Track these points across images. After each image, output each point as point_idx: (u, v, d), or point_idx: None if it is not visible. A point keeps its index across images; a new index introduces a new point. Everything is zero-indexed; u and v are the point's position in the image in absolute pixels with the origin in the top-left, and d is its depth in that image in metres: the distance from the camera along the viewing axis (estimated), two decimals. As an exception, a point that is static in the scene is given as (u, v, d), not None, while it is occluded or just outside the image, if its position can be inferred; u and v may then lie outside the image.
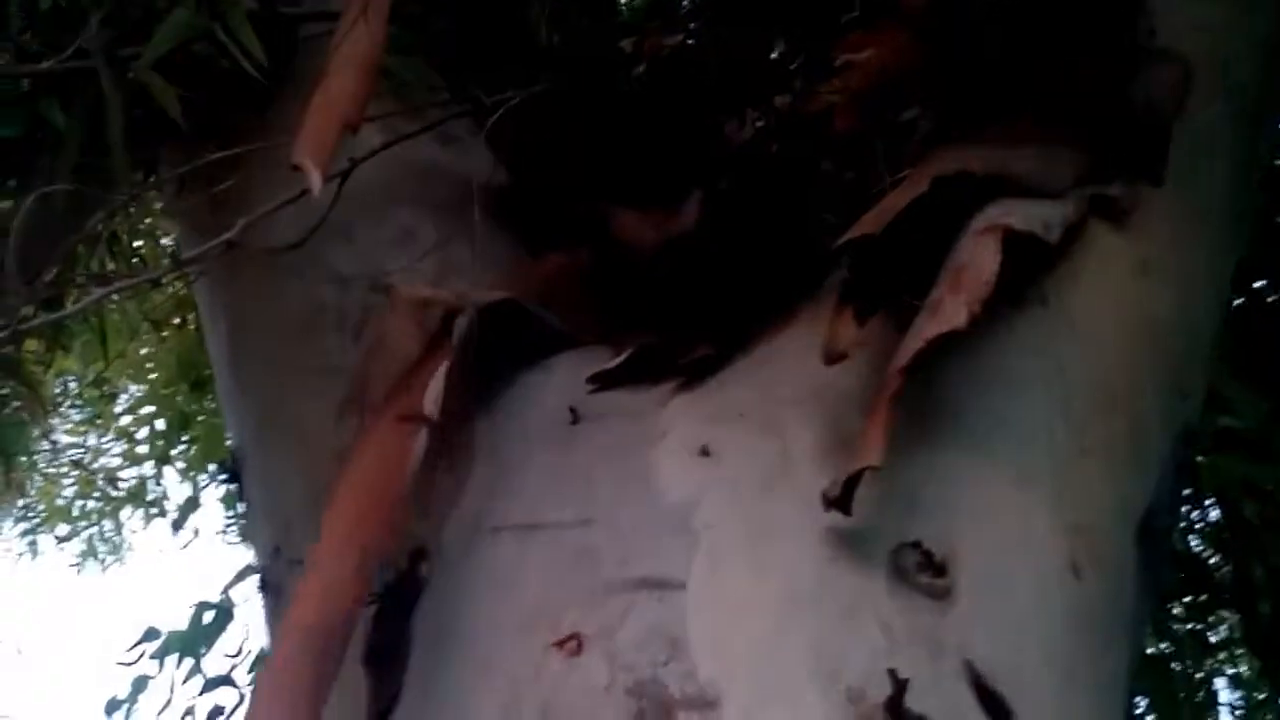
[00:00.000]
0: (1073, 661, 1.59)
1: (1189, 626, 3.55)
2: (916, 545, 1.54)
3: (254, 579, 2.99)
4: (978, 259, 1.67)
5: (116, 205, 2.34)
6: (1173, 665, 3.37)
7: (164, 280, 2.80)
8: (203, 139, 2.22)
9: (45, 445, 4.93)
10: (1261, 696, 3.77)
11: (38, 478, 5.27)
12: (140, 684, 4.19)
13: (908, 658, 1.43)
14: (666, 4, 2.49)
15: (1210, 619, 3.73)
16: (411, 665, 1.66)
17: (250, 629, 3.82)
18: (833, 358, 1.66)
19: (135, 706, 4.22)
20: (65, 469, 5.20)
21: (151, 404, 4.52)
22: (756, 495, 1.61)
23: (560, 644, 1.48)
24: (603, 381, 1.87)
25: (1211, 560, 3.62)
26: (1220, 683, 3.81)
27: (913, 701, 1.36)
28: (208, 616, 4.02)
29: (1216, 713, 3.67)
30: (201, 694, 4.03)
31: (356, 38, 1.73)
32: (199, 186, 2.36)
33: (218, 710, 4.05)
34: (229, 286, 2.32)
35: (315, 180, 1.64)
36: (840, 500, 1.50)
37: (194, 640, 4.04)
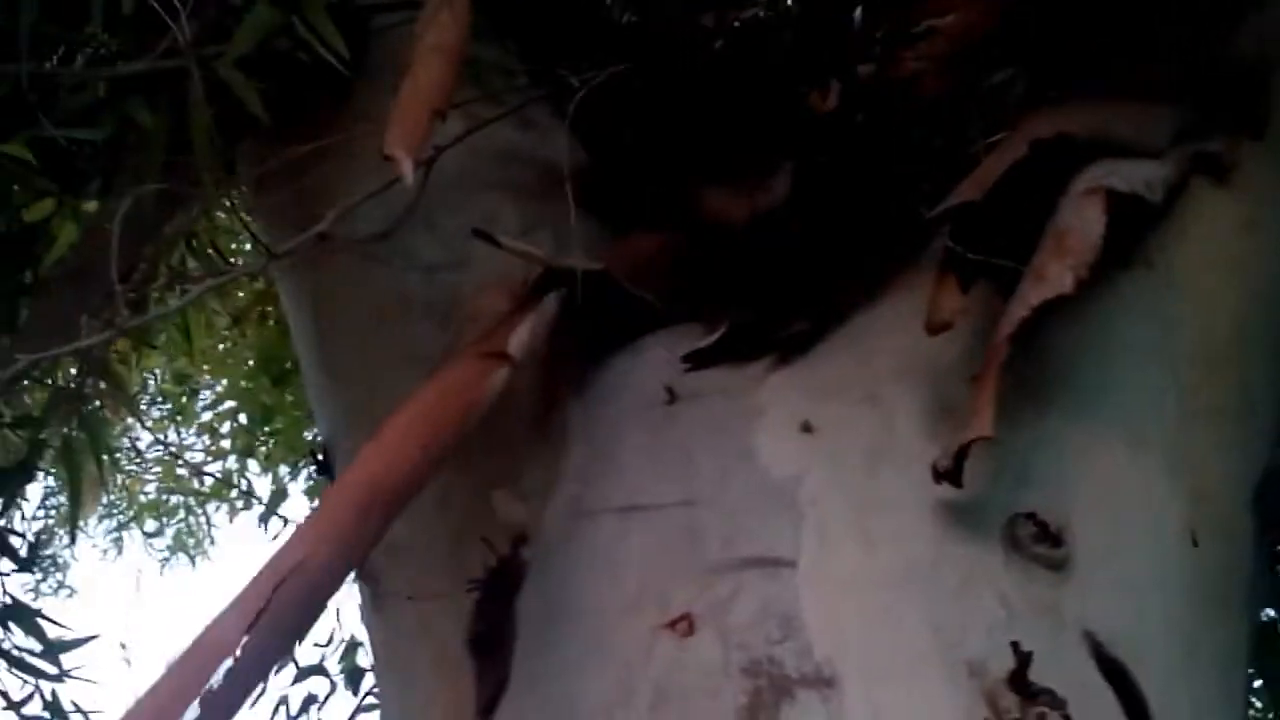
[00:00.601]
0: (1194, 631, 1.57)
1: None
2: (1031, 516, 1.53)
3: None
4: (1082, 222, 1.65)
5: (203, 202, 2.36)
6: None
7: (254, 274, 2.83)
8: (281, 131, 2.23)
9: (127, 442, 5.00)
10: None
11: (121, 475, 5.35)
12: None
13: (1027, 630, 1.42)
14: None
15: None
16: (517, 651, 1.66)
17: (340, 617, 3.85)
18: (937, 327, 1.63)
19: (229, 698, 4.30)
20: (149, 465, 5.28)
21: (233, 399, 4.58)
22: (862, 469, 1.60)
23: (671, 625, 1.47)
24: (698, 360, 1.86)
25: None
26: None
27: (1035, 674, 1.34)
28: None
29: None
30: (294, 683, 4.08)
31: (441, 26, 1.73)
32: (280, 179, 2.38)
33: (311, 699, 4.11)
34: (313, 278, 2.33)
35: (407, 170, 1.64)
36: (951, 472, 1.48)
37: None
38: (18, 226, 2.42)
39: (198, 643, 1.38)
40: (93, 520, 5.73)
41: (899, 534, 1.51)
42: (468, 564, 1.79)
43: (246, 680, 1.37)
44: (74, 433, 3.02)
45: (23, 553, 3.03)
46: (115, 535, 5.79)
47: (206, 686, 1.32)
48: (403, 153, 1.65)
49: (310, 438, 4.36)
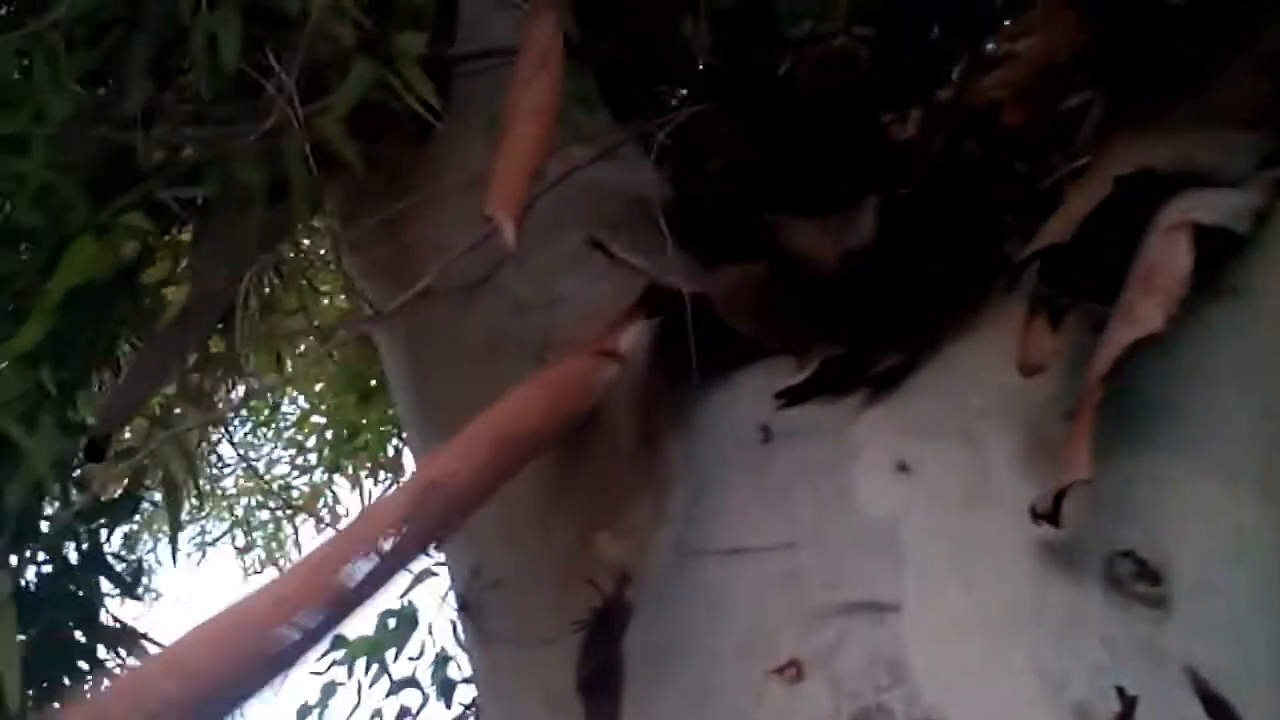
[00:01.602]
0: None
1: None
2: (1130, 554, 1.56)
3: (433, 582, 3.13)
4: (1169, 258, 1.68)
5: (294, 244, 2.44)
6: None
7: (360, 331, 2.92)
8: (368, 175, 2.31)
9: (216, 457, 5.14)
10: None
11: (209, 486, 5.50)
12: (329, 690, 4.40)
13: (1131, 670, 1.45)
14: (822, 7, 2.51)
15: None
16: (626, 694, 1.71)
17: (433, 632, 3.96)
18: (1029, 370, 1.67)
19: (325, 711, 4.42)
20: (238, 479, 5.41)
21: (319, 415, 4.70)
22: (959, 509, 1.64)
23: (779, 670, 1.52)
24: (791, 397, 1.90)
25: None
26: None
27: (1141, 718, 1.38)
28: (391, 622, 4.21)
29: None
30: (388, 696, 4.19)
31: (538, 88, 1.80)
32: (365, 216, 2.47)
33: (404, 711, 4.22)
34: (407, 319, 2.41)
35: (509, 233, 1.71)
36: (1050, 514, 1.52)
37: (379, 645, 4.22)
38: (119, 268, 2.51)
39: (345, 534, 1.51)
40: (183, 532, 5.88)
41: (1000, 576, 1.55)
42: (573, 605, 1.85)
43: (382, 575, 1.47)
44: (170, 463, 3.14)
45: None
46: (201, 543, 5.94)
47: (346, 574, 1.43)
48: (504, 214, 1.72)
49: (394, 454, 4.48)
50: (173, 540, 3.95)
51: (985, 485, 1.66)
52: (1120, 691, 1.39)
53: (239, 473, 5.28)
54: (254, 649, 1.39)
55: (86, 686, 2.55)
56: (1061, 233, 1.70)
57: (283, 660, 1.43)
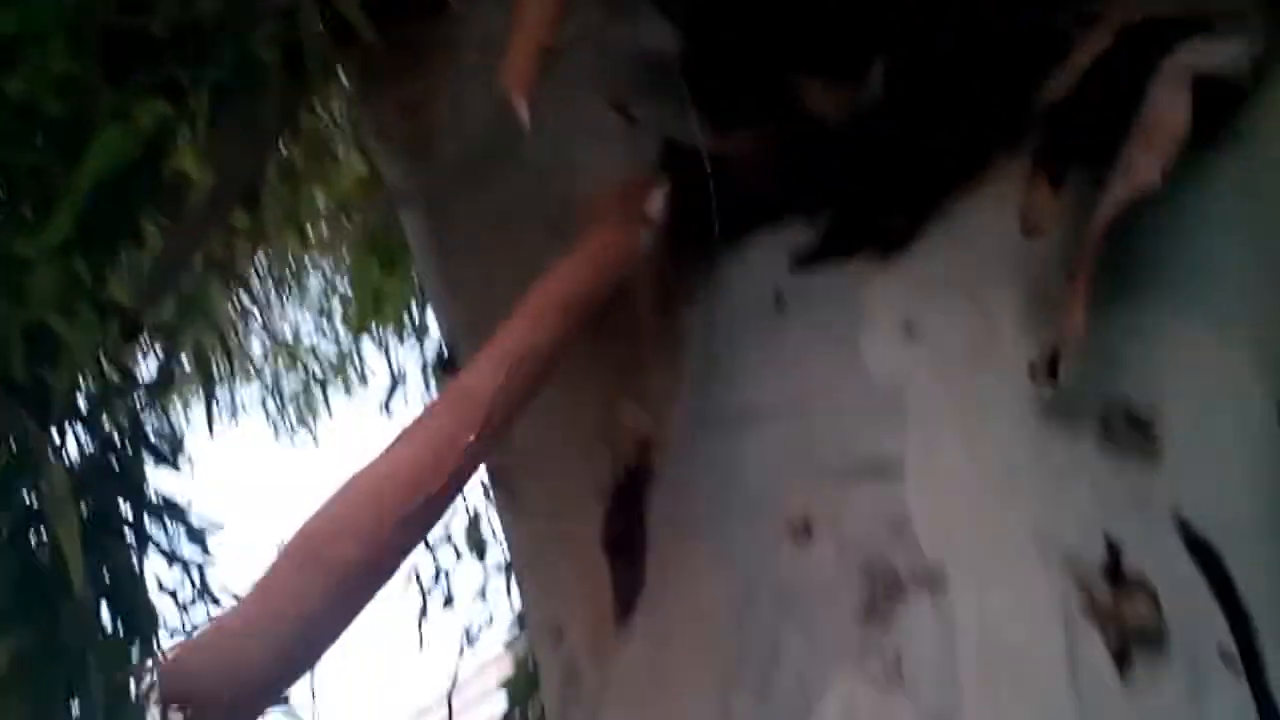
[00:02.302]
0: None
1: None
2: (1122, 405, 1.66)
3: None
4: (1168, 111, 1.74)
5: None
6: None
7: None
8: (384, 51, 2.37)
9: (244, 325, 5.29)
10: None
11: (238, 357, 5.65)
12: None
13: (1120, 519, 1.58)
14: None
15: None
16: (650, 555, 1.85)
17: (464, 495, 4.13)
18: (1032, 229, 1.76)
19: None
20: (267, 348, 5.57)
21: (343, 281, 4.82)
22: (964, 369, 1.74)
23: (790, 530, 1.65)
24: (803, 260, 1.99)
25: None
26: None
27: (1128, 562, 1.51)
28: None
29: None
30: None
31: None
32: (381, 90, 2.54)
33: (439, 570, 4.43)
34: (426, 189, 2.48)
35: (523, 112, 1.77)
36: (1047, 371, 1.62)
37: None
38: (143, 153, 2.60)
39: (443, 405, 1.62)
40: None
41: (1000, 434, 1.66)
42: (600, 473, 1.98)
43: (485, 448, 1.56)
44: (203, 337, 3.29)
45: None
46: (234, 410, 6.12)
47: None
48: (518, 90, 1.78)
49: (420, 319, 4.59)
50: (208, 411, 4.13)
51: (989, 344, 1.76)
52: (1107, 539, 1.51)
53: (267, 341, 5.43)
54: (408, 511, 1.43)
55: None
56: (1062, 88, 1.76)
57: (428, 524, 1.52)
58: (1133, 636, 1.48)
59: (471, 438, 1.52)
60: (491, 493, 2.47)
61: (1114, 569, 1.51)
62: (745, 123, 2.22)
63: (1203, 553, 1.59)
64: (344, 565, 1.35)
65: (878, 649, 1.52)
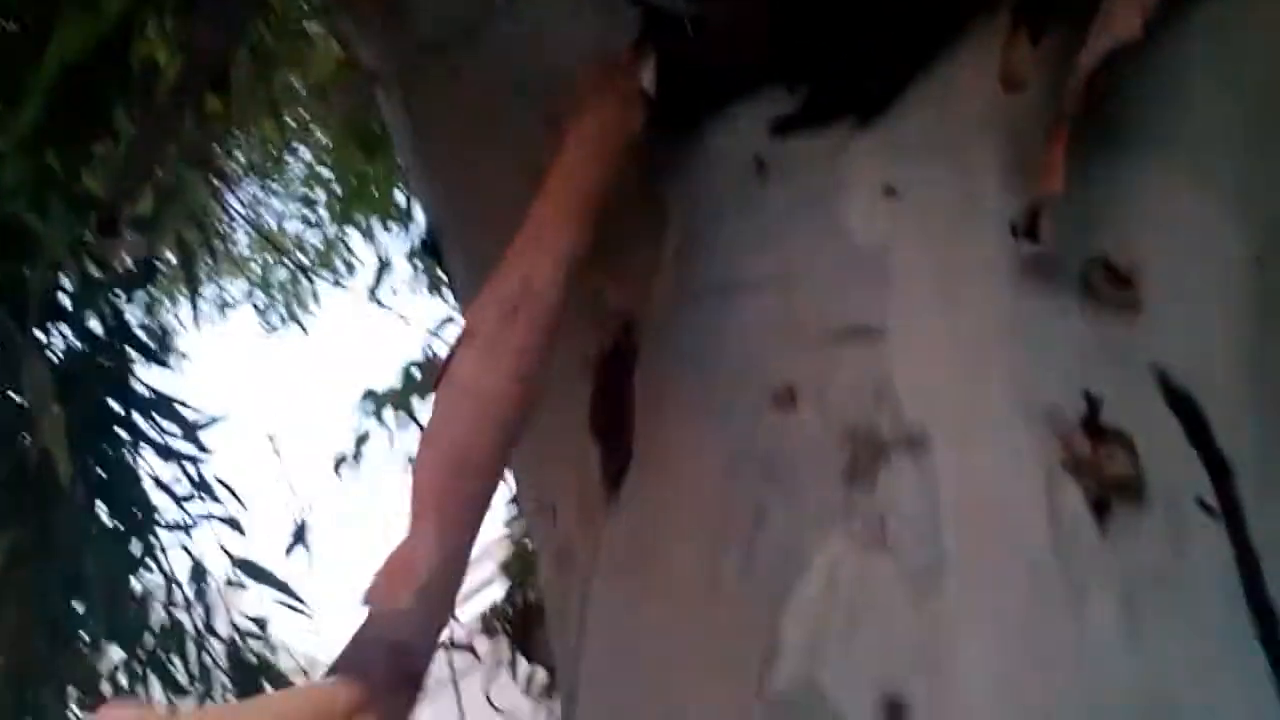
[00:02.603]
0: (1259, 351, 1.72)
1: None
2: (1102, 260, 1.68)
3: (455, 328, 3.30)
4: (1147, -39, 1.73)
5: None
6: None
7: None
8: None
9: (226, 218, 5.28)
10: None
11: (222, 248, 5.64)
12: (363, 439, 4.69)
13: (1100, 373, 1.60)
14: None
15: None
16: (638, 429, 1.87)
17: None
18: (1011, 86, 1.76)
19: (360, 459, 4.73)
20: (251, 239, 5.57)
21: (325, 167, 4.80)
22: (946, 231, 1.75)
23: (774, 398, 1.68)
24: (784, 126, 1.99)
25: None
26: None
27: (1107, 415, 1.54)
28: (416, 371, 4.44)
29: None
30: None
31: None
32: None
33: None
34: (401, 62, 2.46)
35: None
36: (1027, 229, 1.64)
37: (406, 394, 4.47)
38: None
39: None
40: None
41: (982, 294, 1.68)
42: (586, 352, 2.00)
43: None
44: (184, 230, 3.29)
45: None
46: (221, 304, 6.14)
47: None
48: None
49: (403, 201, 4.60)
50: (193, 304, 4.15)
51: (971, 204, 1.77)
52: (1086, 394, 1.53)
53: (252, 233, 5.43)
54: (498, 438, 1.45)
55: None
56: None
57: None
58: (1111, 487, 1.51)
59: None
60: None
61: (1093, 422, 1.54)
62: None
63: (1182, 404, 1.61)
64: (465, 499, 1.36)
65: (862, 511, 1.55)
